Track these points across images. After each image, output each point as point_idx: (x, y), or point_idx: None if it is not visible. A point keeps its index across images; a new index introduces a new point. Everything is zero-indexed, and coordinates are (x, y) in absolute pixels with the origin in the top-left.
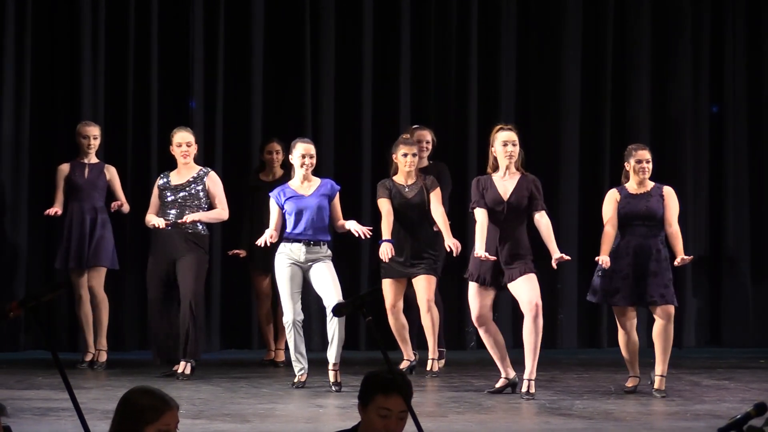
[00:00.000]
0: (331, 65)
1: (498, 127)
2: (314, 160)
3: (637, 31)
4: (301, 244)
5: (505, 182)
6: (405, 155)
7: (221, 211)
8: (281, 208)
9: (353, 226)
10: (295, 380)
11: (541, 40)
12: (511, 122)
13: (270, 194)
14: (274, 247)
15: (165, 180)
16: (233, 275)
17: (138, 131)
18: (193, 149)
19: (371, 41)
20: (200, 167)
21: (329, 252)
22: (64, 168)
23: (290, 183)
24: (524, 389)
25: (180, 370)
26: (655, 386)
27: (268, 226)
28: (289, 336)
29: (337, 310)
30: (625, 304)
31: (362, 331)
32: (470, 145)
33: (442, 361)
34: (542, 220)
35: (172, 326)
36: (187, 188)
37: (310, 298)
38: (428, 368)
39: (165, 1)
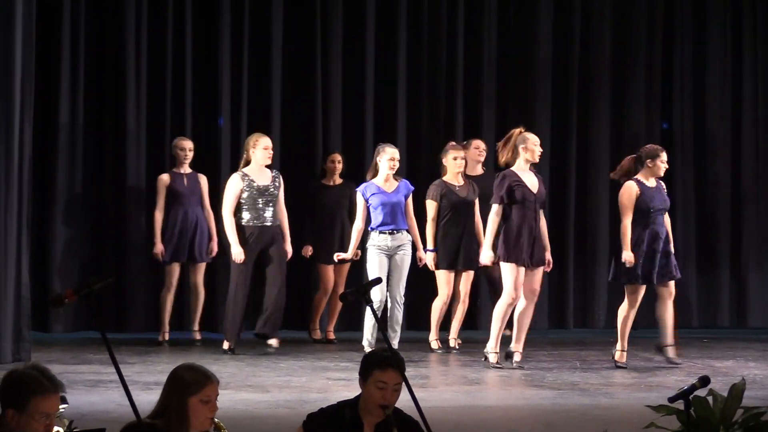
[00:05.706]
0: (339, 87)
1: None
2: (397, 163)
3: (598, 62)
4: (387, 234)
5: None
6: (455, 158)
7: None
8: (366, 201)
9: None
10: (366, 347)
11: (516, 68)
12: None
13: (356, 189)
14: (331, 242)
15: (252, 183)
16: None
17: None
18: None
19: (373, 66)
20: (270, 170)
21: (409, 237)
22: (165, 178)
23: (374, 181)
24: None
25: (275, 345)
26: (672, 354)
27: (328, 224)
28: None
29: (343, 297)
30: (667, 280)
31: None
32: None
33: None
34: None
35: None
36: (271, 189)
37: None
38: (453, 345)
39: (197, 33)
